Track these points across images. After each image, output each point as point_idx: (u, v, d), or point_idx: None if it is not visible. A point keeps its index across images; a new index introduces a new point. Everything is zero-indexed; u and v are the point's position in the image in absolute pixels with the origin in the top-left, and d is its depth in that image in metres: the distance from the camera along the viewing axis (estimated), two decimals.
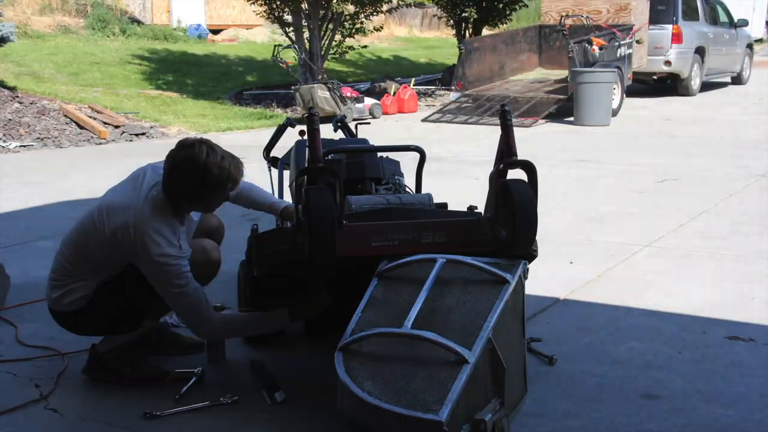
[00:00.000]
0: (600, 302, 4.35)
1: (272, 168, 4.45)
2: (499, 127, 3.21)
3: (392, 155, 4.08)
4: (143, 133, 10.82)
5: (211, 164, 3.09)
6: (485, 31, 17.38)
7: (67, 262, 3.26)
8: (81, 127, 10.66)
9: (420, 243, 3.11)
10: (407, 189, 3.89)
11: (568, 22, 13.82)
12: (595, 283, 4.67)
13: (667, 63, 14.75)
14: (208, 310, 3.23)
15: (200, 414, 3.10)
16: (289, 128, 4.56)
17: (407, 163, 4.08)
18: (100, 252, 3.18)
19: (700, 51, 15.34)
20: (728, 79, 17.40)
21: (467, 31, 17.09)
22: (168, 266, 3.10)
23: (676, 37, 14.64)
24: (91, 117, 11.02)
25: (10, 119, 10.51)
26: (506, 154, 3.15)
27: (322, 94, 11.85)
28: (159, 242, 3.09)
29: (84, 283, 3.22)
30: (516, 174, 3.10)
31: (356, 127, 4.63)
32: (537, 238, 3.08)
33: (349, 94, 12.50)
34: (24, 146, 9.75)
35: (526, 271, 3.07)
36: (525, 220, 2.95)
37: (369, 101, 12.74)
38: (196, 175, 3.09)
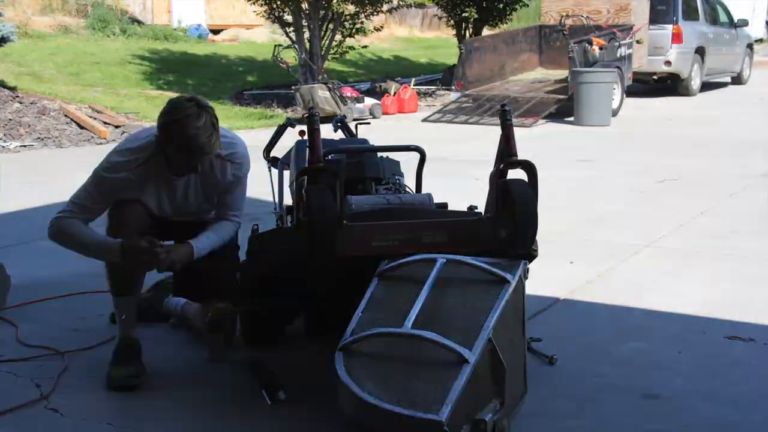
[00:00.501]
0: (600, 302, 4.35)
1: (272, 168, 4.45)
2: (499, 127, 3.21)
3: (392, 155, 4.08)
4: None
5: (186, 126, 3.17)
6: (485, 31, 17.38)
7: None
8: (81, 127, 10.66)
9: (420, 243, 3.12)
10: (407, 189, 3.89)
11: (568, 22, 13.82)
12: (595, 283, 4.68)
13: (667, 63, 14.74)
14: (74, 213, 3.30)
15: (200, 413, 3.10)
16: (289, 128, 4.56)
17: (407, 163, 4.08)
18: None
19: (700, 51, 15.34)
20: (728, 79, 17.40)
21: (467, 31, 17.09)
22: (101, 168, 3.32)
23: (676, 37, 14.63)
24: (91, 117, 11.02)
25: (10, 119, 10.51)
26: (506, 154, 3.16)
27: (322, 94, 11.85)
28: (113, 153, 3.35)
29: None
30: (516, 174, 3.10)
31: (356, 127, 4.63)
32: (537, 238, 3.08)
33: (349, 94, 12.50)
34: (24, 146, 9.75)
35: (526, 271, 3.07)
36: (525, 220, 2.95)
37: (369, 101, 12.73)
38: (167, 127, 3.22)
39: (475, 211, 3.49)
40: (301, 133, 3.79)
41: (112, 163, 3.33)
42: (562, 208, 6.35)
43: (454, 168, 8.10)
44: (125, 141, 3.46)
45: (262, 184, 4.46)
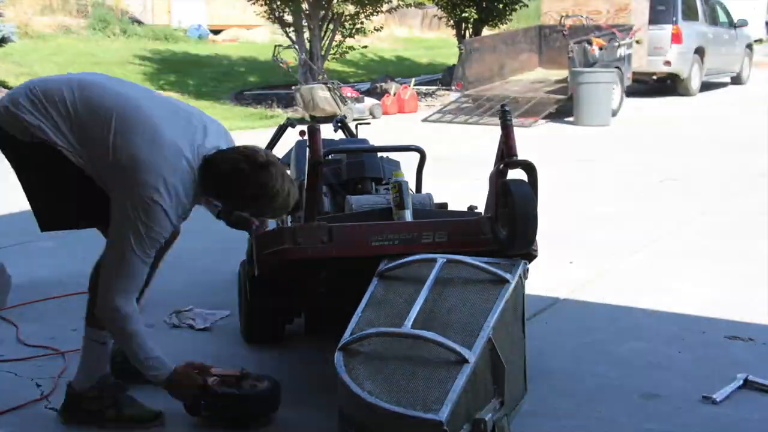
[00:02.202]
0: (600, 302, 4.36)
1: None
2: (499, 127, 3.22)
3: (392, 155, 4.08)
4: None
5: (278, 192, 2.87)
6: (485, 31, 17.38)
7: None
8: None
9: (420, 243, 3.12)
10: None
11: (568, 22, 13.83)
12: (595, 283, 4.68)
13: (667, 63, 14.74)
14: (134, 293, 2.82)
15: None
16: (289, 128, 4.56)
17: (407, 163, 4.08)
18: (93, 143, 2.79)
19: (699, 51, 15.34)
20: (728, 79, 17.40)
21: (467, 32, 17.09)
22: (150, 211, 2.70)
23: (676, 37, 14.63)
24: None
25: None
26: (506, 154, 3.16)
27: (322, 94, 11.85)
28: (162, 192, 2.71)
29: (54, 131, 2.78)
30: (516, 174, 3.11)
31: (356, 127, 4.63)
32: (537, 238, 3.09)
33: (349, 94, 12.51)
34: None
35: (526, 271, 3.07)
36: (525, 220, 2.96)
37: (369, 101, 12.74)
38: (261, 196, 2.86)
39: (475, 211, 3.50)
40: (301, 133, 3.80)
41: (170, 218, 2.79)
42: (562, 208, 6.36)
43: (454, 168, 8.10)
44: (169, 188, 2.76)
45: None
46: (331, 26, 14.00)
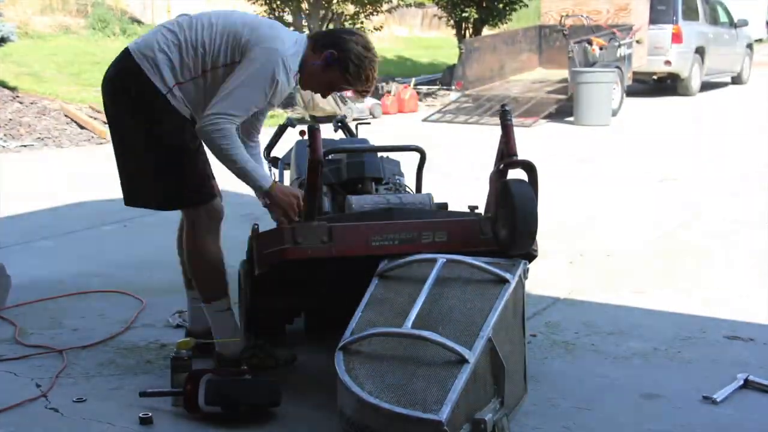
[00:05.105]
0: (600, 302, 4.36)
1: (272, 168, 4.46)
2: (499, 127, 3.22)
3: (392, 155, 4.08)
4: None
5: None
6: (485, 31, 17.37)
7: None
8: (81, 127, 10.66)
9: (420, 243, 3.12)
10: (407, 189, 3.89)
11: (568, 22, 13.83)
12: (595, 283, 4.68)
13: (667, 63, 14.74)
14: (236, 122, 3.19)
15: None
16: (289, 128, 4.56)
17: (407, 163, 4.08)
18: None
19: (700, 51, 15.34)
20: (728, 79, 17.40)
21: (467, 31, 17.08)
22: (268, 64, 3.17)
23: (676, 37, 14.64)
24: (91, 117, 11.02)
25: (10, 119, 10.51)
26: (506, 154, 3.16)
27: None
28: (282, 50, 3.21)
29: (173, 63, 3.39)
30: (516, 174, 3.11)
31: (356, 127, 4.63)
32: (537, 237, 3.09)
33: (349, 94, 12.50)
34: (24, 146, 9.74)
35: (526, 271, 3.07)
36: (525, 220, 2.96)
37: (369, 101, 12.72)
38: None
39: (476, 211, 3.50)
40: (301, 133, 3.80)
41: (287, 68, 3.25)
42: (562, 208, 6.35)
43: (454, 168, 8.10)
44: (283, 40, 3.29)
45: None
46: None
